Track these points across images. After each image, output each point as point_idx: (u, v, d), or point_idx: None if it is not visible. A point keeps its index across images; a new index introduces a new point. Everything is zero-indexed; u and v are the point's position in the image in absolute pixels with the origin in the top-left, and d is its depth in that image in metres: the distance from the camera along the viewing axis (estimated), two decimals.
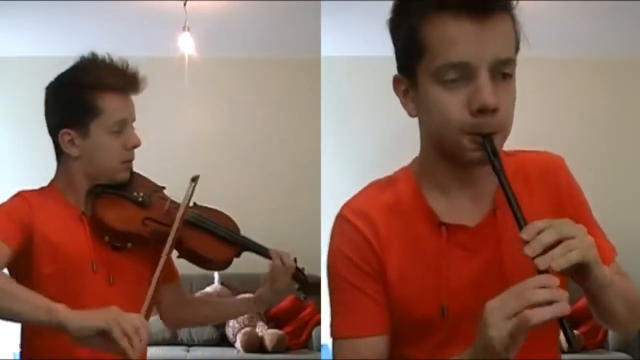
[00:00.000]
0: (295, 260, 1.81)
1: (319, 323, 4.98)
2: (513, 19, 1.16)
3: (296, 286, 1.86)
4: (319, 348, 4.93)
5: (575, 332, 4.91)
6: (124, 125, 1.65)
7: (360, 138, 5.50)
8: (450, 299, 1.16)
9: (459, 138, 1.12)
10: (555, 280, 1.00)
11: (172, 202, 1.74)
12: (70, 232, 1.62)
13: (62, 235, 1.60)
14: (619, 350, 4.93)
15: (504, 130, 1.14)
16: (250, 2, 4.68)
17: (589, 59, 5.63)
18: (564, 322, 1.01)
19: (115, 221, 1.63)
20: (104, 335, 1.29)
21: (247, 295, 1.97)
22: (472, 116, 1.11)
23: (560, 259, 1.00)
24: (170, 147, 5.39)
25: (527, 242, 1.02)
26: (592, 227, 1.21)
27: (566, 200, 1.22)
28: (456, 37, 1.10)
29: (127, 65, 1.67)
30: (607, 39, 5.29)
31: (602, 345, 5.01)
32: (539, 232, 1.02)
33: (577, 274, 1.06)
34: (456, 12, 1.09)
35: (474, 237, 1.19)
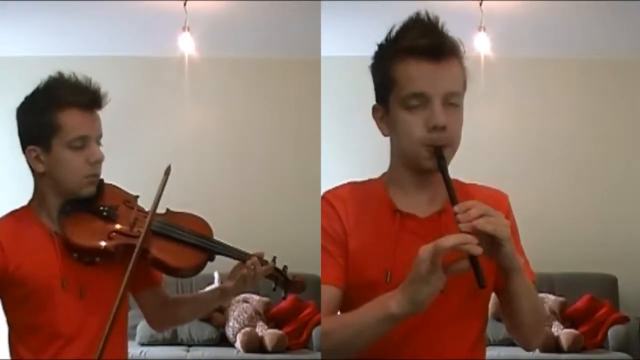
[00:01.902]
0: (274, 259, 1.84)
1: (319, 323, 4.97)
2: (461, 63, 1.53)
3: (272, 285, 1.88)
4: (319, 348, 4.93)
5: (575, 331, 4.92)
6: (85, 141, 1.69)
7: (360, 138, 5.50)
8: (395, 268, 1.51)
9: (418, 149, 1.50)
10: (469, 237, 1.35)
11: (140, 210, 1.78)
12: (40, 254, 1.68)
13: (32, 260, 1.67)
14: (619, 350, 4.92)
15: (452, 144, 1.52)
16: (251, 2, 4.68)
17: (590, 59, 5.63)
18: (476, 262, 1.35)
19: (81, 239, 1.68)
20: None
21: (215, 286, 1.97)
22: (429, 132, 1.48)
23: (483, 224, 1.35)
24: (170, 147, 5.38)
25: (456, 214, 1.38)
26: (522, 252, 1.57)
27: None
28: (416, 75, 1.49)
29: (90, 82, 1.72)
30: (607, 39, 5.29)
31: (602, 345, 5.01)
32: (468, 209, 1.37)
33: (492, 249, 1.38)
34: (417, 57, 1.49)
35: (422, 226, 1.54)
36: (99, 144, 1.72)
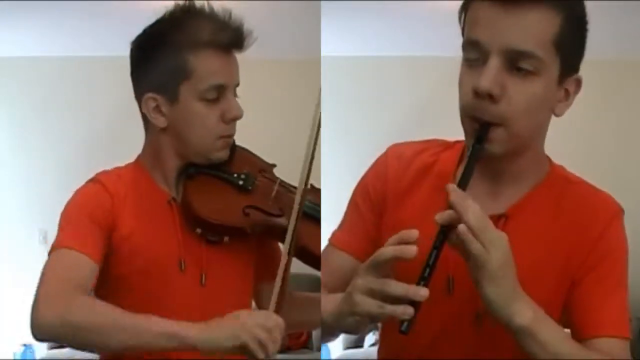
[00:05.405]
0: None
1: None
2: (554, 15, 1.11)
3: None
4: (319, 348, 4.93)
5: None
6: (222, 91, 1.38)
7: (360, 138, 5.51)
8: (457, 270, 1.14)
9: (463, 118, 1.14)
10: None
11: (282, 184, 1.45)
12: (155, 223, 1.35)
13: (144, 228, 1.34)
14: None
15: (506, 124, 1.10)
16: (250, 2, 4.67)
17: (592, 59, 5.62)
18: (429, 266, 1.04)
19: (210, 211, 1.34)
20: (239, 348, 1.18)
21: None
22: (474, 98, 1.10)
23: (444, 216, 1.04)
24: None
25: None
26: (613, 290, 1.16)
27: (593, 244, 1.16)
28: (478, 18, 1.11)
29: (230, 16, 1.40)
30: (609, 39, 5.28)
31: None
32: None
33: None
34: None
35: None
36: (235, 95, 1.42)
